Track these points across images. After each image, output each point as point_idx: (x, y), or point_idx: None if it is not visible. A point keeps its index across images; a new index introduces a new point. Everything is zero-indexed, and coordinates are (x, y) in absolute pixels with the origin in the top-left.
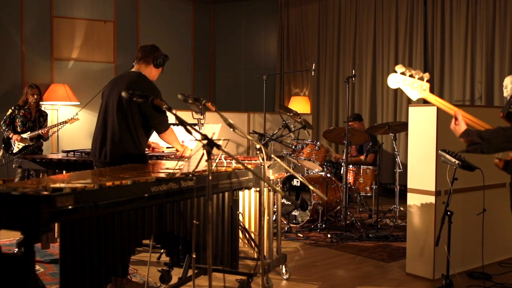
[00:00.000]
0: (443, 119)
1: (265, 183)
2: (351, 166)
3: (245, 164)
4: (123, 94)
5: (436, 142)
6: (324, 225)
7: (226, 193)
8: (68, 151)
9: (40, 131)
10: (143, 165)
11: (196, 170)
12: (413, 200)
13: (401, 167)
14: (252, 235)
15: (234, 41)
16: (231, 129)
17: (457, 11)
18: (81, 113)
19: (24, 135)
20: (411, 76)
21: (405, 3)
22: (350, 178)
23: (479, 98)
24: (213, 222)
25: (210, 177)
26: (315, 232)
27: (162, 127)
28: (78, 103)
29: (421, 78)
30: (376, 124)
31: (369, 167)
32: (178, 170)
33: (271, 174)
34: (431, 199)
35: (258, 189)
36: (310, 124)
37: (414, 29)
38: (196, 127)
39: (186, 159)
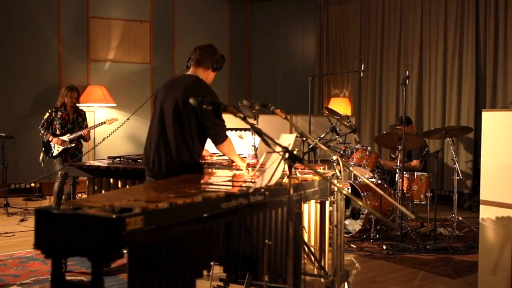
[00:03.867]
0: None
1: (361, 203)
2: (404, 172)
3: (330, 180)
4: (191, 101)
5: None
6: (378, 235)
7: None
8: (114, 157)
9: (81, 132)
10: (199, 176)
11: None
12: (487, 213)
13: (460, 174)
14: (312, 249)
15: (271, 41)
16: (303, 138)
17: None
18: (118, 116)
19: (64, 138)
20: None
21: None
22: (404, 185)
23: None
24: (278, 238)
25: (291, 192)
26: (368, 242)
27: (220, 138)
28: (115, 104)
29: None
30: (432, 128)
31: (424, 173)
32: (251, 184)
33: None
34: (509, 212)
35: (319, 201)
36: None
37: (464, 27)
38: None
39: (259, 172)
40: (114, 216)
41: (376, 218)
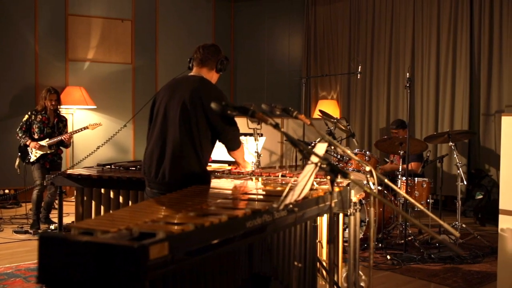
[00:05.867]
0: None
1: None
2: (403, 178)
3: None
4: (213, 106)
5: None
6: (380, 244)
7: (308, 221)
8: (103, 165)
9: (61, 137)
10: (209, 187)
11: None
12: (506, 223)
13: (464, 180)
14: (324, 264)
15: (257, 41)
16: (328, 146)
17: (508, 7)
18: (99, 118)
19: (42, 142)
20: None
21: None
22: (404, 192)
23: None
24: (297, 256)
25: (332, 205)
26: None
27: (235, 144)
28: (95, 106)
29: None
30: (435, 133)
31: (425, 179)
32: (282, 200)
33: (353, 196)
34: None
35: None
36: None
37: (458, 28)
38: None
39: (291, 186)
40: (136, 246)
41: (378, 226)
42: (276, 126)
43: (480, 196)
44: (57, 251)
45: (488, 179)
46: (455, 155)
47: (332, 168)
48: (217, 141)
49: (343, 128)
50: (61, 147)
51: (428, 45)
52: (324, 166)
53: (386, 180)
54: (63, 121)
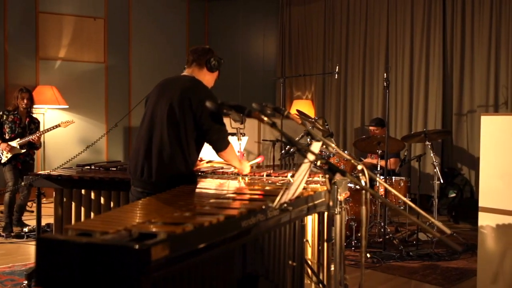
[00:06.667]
0: None
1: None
2: (381, 177)
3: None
4: (209, 104)
5: None
6: (360, 243)
7: (297, 220)
8: (83, 165)
9: (30, 137)
10: (197, 187)
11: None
12: (485, 220)
13: (440, 179)
14: (309, 262)
15: (231, 41)
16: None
17: (479, 8)
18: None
19: (13, 143)
20: None
21: (422, 0)
22: (382, 191)
23: (504, 104)
24: (287, 255)
25: (331, 203)
26: (349, 250)
27: (223, 144)
28: (67, 106)
29: None
30: (412, 132)
31: (402, 178)
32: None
33: (338, 194)
34: (509, 219)
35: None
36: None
37: (431, 29)
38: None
39: (286, 185)
40: (138, 247)
41: (358, 225)
42: (273, 125)
43: (453, 194)
44: (56, 253)
45: (460, 178)
46: (431, 154)
47: (331, 167)
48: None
49: (321, 127)
50: (32, 148)
51: (402, 45)
52: (323, 165)
53: (377, 178)
54: (35, 122)
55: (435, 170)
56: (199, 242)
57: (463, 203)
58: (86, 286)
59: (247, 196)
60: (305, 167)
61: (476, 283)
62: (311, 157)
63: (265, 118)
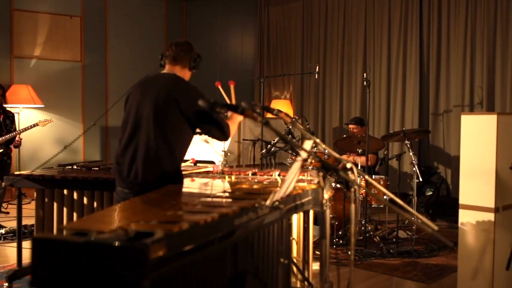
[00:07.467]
0: (504, 128)
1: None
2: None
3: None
4: (201, 103)
5: (496, 154)
6: (341, 241)
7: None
8: (64, 165)
9: (8, 136)
10: (185, 186)
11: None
12: (466, 217)
13: (419, 177)
14: (295, 261)
15: (209, 41)
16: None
17: (455, 10)
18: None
19: None
20: None
21: (399, 1)
22: (362, 190)
23: (479, 104)
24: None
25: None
26: (331, 248)
27: (227, 135)
28: (43, 105)
29: None
30: (391, 132)
31: (382, 177)
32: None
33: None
34: (489, 216)
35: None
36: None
37: (408, 30)
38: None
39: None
40: (137, 245)
41: (338, 223)
42: (266, 124)
43: (430, 193)
44: (52, 254)
45: (437, 176)
46: (410, 153)
47: (324, 165)
48: (196, 140)
49: (302, 127)
50: (10, 146)
51: (380, 46)
52: (315, 163)
53: (367, 177)
54: (9, 117)
55: (414, 169)
56: (195, 240)
57: (439, 201)
58: (84, 286)
59: (237, 195)
60: (297, 165)
61: (457, 279)
62: (303, 154)
63: (258, 117)
